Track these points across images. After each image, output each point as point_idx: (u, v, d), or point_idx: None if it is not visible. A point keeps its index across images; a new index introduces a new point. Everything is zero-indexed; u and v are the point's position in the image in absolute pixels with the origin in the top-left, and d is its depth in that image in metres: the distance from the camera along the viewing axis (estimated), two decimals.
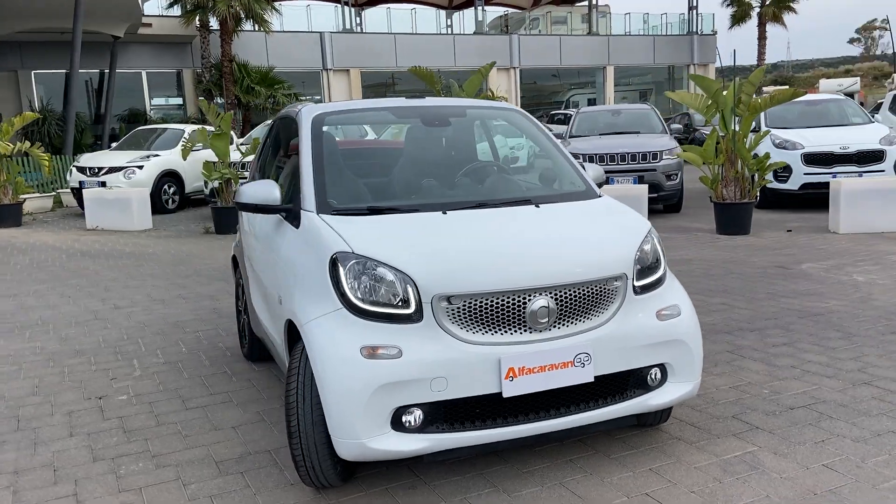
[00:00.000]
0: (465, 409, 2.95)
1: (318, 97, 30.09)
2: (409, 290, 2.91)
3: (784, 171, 10.98)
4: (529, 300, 2.97)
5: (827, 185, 10.93)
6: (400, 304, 2.91)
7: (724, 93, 9.28)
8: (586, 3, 36.15)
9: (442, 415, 2.93)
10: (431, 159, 3.94)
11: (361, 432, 2.83)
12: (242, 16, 25.12)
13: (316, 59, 29.95)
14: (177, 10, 25.17)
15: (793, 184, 11.08)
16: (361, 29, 32.79)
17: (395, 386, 2.83)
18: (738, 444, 3.44)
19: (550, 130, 4.26)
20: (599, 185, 3.93)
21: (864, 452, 3.30)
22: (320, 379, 2.86)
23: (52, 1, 19.22)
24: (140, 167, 13.93)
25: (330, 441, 2.97)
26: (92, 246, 10.61)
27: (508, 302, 2.95)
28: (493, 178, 3.92)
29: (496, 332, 2.95)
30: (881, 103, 17.50)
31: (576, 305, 3.06)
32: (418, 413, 2.89)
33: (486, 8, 34.12)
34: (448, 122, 4.09)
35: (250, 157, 12.16)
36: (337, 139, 4.34)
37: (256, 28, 25.82)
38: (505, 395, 2.92)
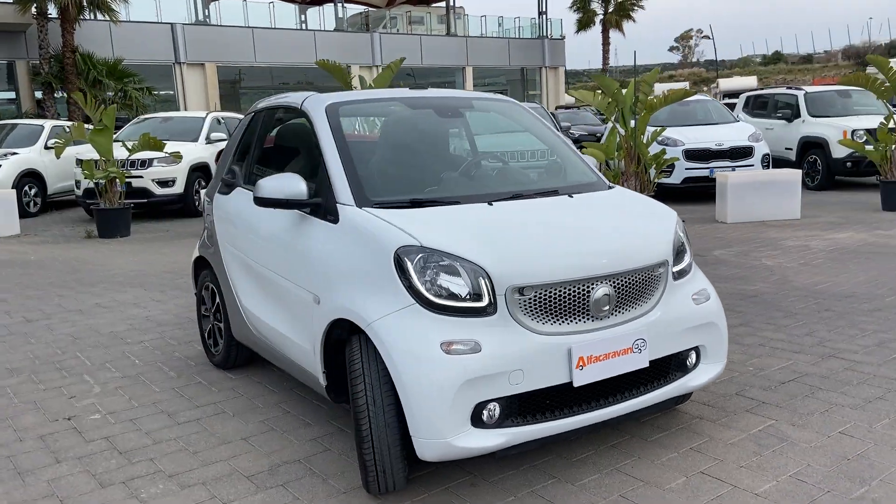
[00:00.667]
0: (536, 400, 2.94)
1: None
2: (482, 282, 2.85)
3: (668, 167, 11.72)
4: (593, 289, 3.00)
5: (704, 178, 11.81)
6: (473, 297, 2.85)
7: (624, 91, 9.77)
8: (443, 3, 36.70)
9: (517, 408, 2.90)
10: (451, 151, 3.87)
11: (446, 431, 2.74)
12: (85, 3, 23.29)
13: (167, 52, 28.33)
14: None
15: (675, 178, 11.87)
16: (207, 20, 31.24)
17: (478, 381, 2.77)
18: (755, 419, 3.65)
19: None
20: None
21: (867, 418, 3.60)
22: (400, 379, 2.74)
23: None
24: None
25: (403, 443, 2.87)
26: None
27: (575, 291, 2.97)
28: (513, 169, 3.92)
29: (564, 321, 2.96)
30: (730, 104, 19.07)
31: (631, 292, 3.13)
32: (496, 408, 2.85)
33: (345, 5, 33.79)
34: (460, 114, 4.03)
35: (143, 154, 11.32)
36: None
37: (101, 17, 24.02)
38: (575, 384, 2.94)
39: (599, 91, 10.34)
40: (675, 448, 3.39)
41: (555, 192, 3.57)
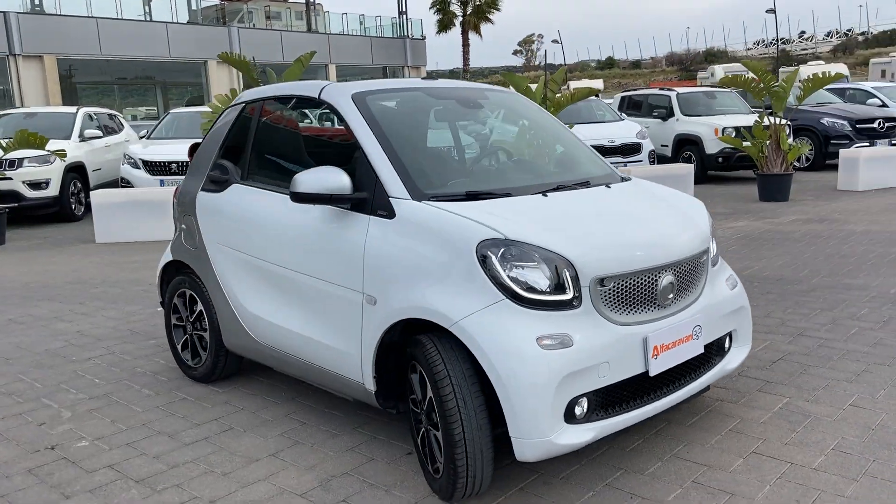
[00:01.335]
0: (616, 392, 2.92)
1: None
2: (567, 274, 2.79)
3: None
4: (660, 277, 3.03)
5: None
6: (559, 289, 2.78)
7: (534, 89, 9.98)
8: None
9: (601, 401, 2.87)
10: (481, 142, 3.75)
11: (548, 429, 2.66)
12: None
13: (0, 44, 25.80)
14: None
15: None
16: (42, 8, 28.68)
17: (574, 376, 2.71)
18: (771, 398, 3.83)
19: None
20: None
21: (867, 391, 3.88)
22: (500, 378, 2.63)
23: None
24: None
25: (494, 446, 2.75)
26: None
27: (646, 280, 2.98)
28: (543, 160, 3.86)
29: (637, 311, 2.97)
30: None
31: (687, 280, 3.18)
32: (585, 402, 2.80)
33: None
34: (480, 105, 3.92)
35: (13, 154, 10.17)
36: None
37: None
38: (651, 373, 2.95)
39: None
40: (716, 430, 3.48)
41: (587, 184, 3.56)
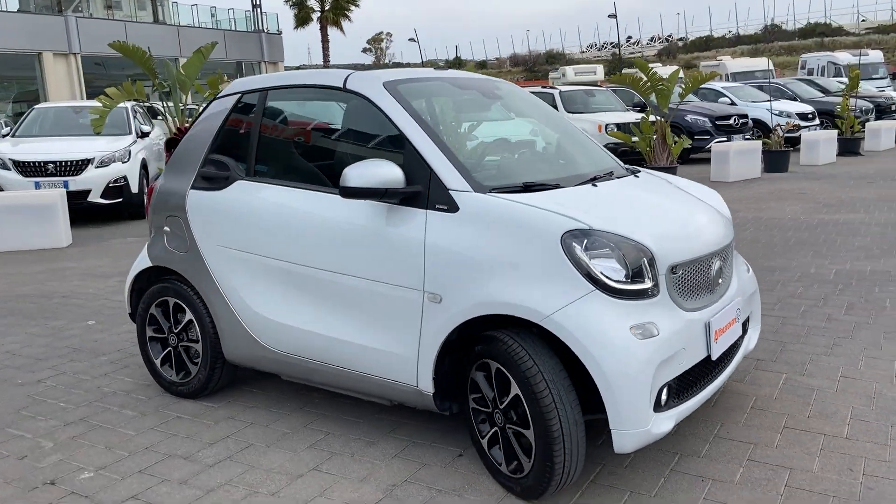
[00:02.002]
0: (686, 377, 2.96)
1: None
2: (645, 262, 2.80)
3: None
4: (713, 263, 3.11)
5: None
6: (638, 278, 2.78)
7: None
8: None
9: (676, 388, 2.90)
10: (510, 133, 3.66)
11: (646, 419, 2.66)
12: None
13: None
14: None
15: None
16: None
17: (664, 364, 2.73)
18: (770, 375, 4.04)
19: None
20: None
21: (847, 363, 4.16)
22: (601, 370, 2.59)
23: None
24: None
25: (586, 440, 2.71)
26: None
27: (705, 267, 3.05)
28: (567, 151, 3.83)
29: (697, 297, 3.03)
30: None
31: (727, 265, 3.29)
32: (666, 389, 2.82)
33: None
34: (499, 96, 3.82)
35: None
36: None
37: None
38: (713, 356, 3.02)
39: None
40: (741, 409, 3.63)
41: (611, 174, 3.58)
